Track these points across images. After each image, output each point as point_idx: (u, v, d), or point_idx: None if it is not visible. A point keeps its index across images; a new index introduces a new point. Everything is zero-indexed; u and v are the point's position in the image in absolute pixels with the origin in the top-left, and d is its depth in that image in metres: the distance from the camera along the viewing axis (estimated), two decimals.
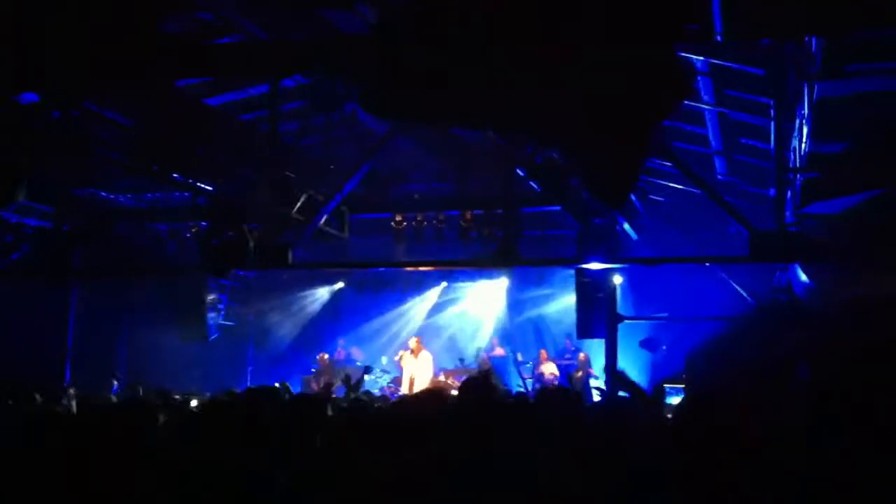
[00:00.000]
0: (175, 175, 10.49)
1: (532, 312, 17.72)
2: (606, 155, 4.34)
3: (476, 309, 18.42)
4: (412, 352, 15.48)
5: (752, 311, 12.46)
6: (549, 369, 16.29)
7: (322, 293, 18.79)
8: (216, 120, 10.72)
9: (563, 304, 16.21)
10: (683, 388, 11.08)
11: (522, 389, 14.56)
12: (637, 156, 4.49)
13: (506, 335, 17.83)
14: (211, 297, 15.17)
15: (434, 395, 4.56)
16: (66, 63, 6.55)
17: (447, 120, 6.03)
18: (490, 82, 4.44)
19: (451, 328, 18.45)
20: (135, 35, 6.37)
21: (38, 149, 9.07)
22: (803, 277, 9.62)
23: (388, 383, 16.21)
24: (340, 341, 18.28)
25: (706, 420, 3.87)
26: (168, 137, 9.70)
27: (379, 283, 18.04)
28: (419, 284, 18.19)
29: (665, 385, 8.20)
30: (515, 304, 17.83)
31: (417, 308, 18.57)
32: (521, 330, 17.77)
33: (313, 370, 17.27)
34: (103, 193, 12.49)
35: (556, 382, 15.79)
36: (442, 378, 15.84)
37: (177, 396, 9.53)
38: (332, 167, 11.80)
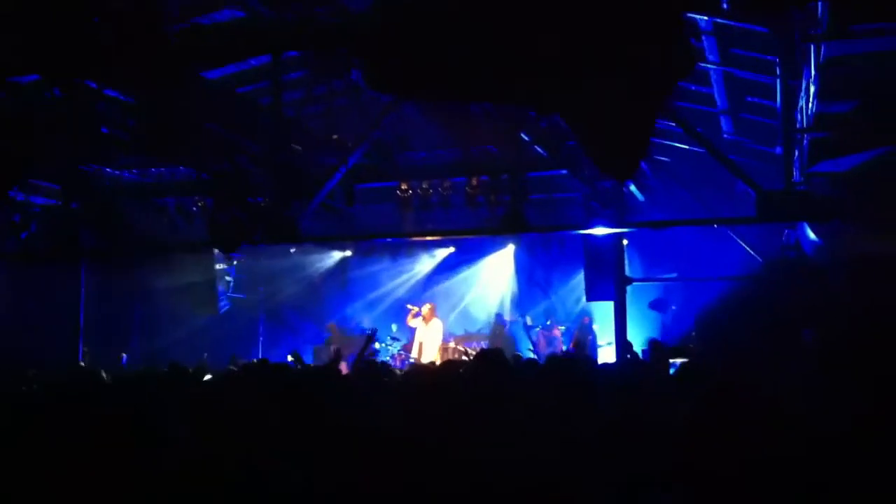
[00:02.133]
0: (179, 152, 10.47)
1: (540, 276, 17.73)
2: (612, 128, 4.32)
3: (485, 274, 18.44)
4: (424, 318, 15.56)
5: (760, 269, 12.45)
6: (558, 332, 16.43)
7: (330, 259, 18.81)
8: (217, 94, 10.68)
9: (573, 266, 16.22)
10: (691, 350, 11.15)
11: (533, 354, 14.64)
12: (644, 128, 4.46)
13: (515, 300, 17.88)
14: (220, 270, 15.27)
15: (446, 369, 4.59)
16: (67, 44, 6.53)
17: (449, 95, 5.99)
18: (493, 58, 4.41)
19: (460, 294, 18.49)
20: (134, 20, 6.34)
21: (42, 128, 9.07)
22: (812, 235, 9.59)
23: (399, 350, 16.31)
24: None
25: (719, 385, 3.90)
26: (170, 114, 9.67)
27: (386, 249, 18.07)
28: (427, 250, 18.20)
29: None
30: (524, 269, 17.84)
31: (426, 274, 18.59)
32: (530, 294, 17.80)
33: (325, 339, 17.38)
34: (108, 170, 12.48)
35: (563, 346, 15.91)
36: (452, 345, 15.93)
37: (189, 370, 9.60)
38: (335, 137, 11.76)
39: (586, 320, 15.94)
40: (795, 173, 9.65)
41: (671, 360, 8.49)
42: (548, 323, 16.76)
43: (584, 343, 14.88)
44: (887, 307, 7.72)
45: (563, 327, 16.59)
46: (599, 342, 15.44)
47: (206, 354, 12.87)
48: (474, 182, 12.57)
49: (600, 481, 3.17)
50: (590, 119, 4.76)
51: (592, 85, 4.28)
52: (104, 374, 6.55)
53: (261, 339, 17.86)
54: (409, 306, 16.30)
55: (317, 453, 3.45)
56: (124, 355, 14.76)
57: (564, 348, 15.68)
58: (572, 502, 3.26)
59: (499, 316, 17.36)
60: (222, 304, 16.05)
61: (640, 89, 4.39)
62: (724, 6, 5.58)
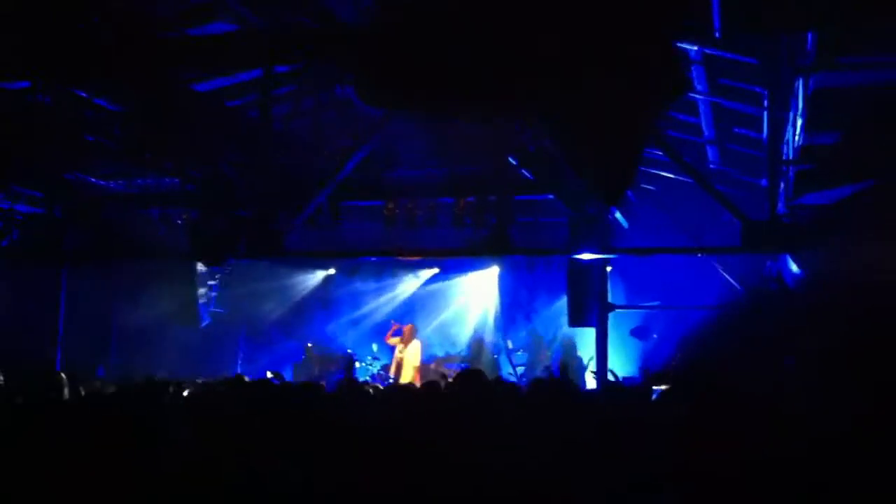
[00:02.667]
0: (166, 162, 10.42)
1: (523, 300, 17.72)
2: (603, 152, 4.34)
3: (469, 296, 18.42)
4: (403, 338, 15.54)
5: (742, 300, 12.51)
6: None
7: (313, 279, 18.75)
8: (206, 105, 10.65)
9: (556, 290, 16.23)
10: (673, 377, 11.14)
11: (513, 378, 14.61)
12: (633, 152, 4.48)
13: (497, 323, 17.86)
14: (202, 283, 15.17)
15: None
16: (58, 51, 6.50)
17: (442, 110, 6.00)
18: (486, 77, 4.42)
19: (443, 315, 18.45)
20: (128, 27, 6.33)
21: (28, 134, 9.02)
22: (794, 268, 9.65)
23: (379, 370, 16.24)
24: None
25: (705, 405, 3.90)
26: (157, 123, 9.63)
27: (370, 268, 18.02)
28: (411, 270, 18.17)
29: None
30: (507, 292, 17.83)
31: (409, 294, 18.55)
32: (512, 317, 17.77)
33: (303, 358, 17.27)
34: (93, 179, 12.40)
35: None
36: (433, 366, 15.87)
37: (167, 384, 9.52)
38: (324, 151, 11.74)
39: (570, 342, 15.91)
40: (780, 205, 9.72)
41: (653, 388, 8.49)
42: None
43: (570, 367, 14.86)
44: (867, 337, 7.76)
45: (548, 351, 16.55)
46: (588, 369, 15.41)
47: (165, 373, 12.70)
48: (461, 203, 12.59)
49: (586, 485, 3.16)
50: (581, 141, 4.78)
51: (585, 105, 4.29)
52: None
53: (240, 354, 17.73)
54: (394, 322, 16.28)
55: (308, 455, 3.44)
56: (100, 367, 14.60)
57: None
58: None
59: (480, 338, 17.32)
60: (203, 318, 15.91)
61: (631, 110, 4.41)
62: (717, 35, 5.63)
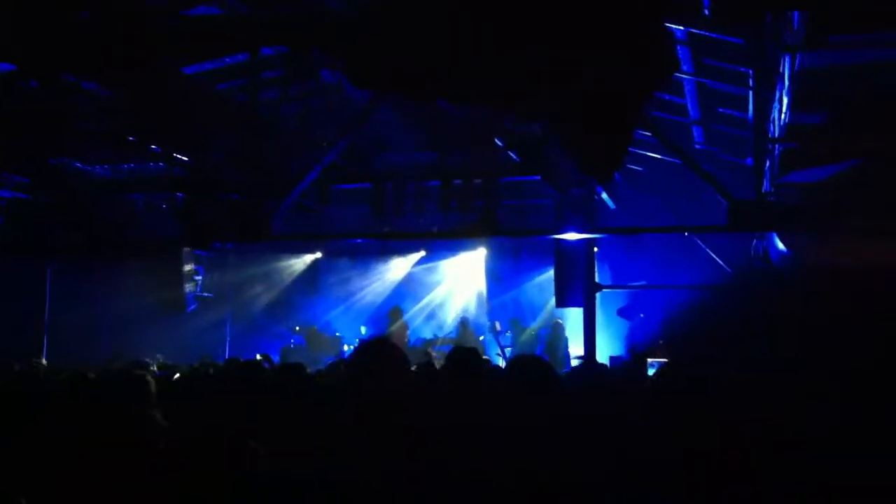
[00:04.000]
0: (152, 146, 10.37)
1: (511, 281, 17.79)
2: (595, 131, 4.37)
3: (456, 279, 18.46)
4: (390, 320, 15.64)
5: (728, 278, 12.61)
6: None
7: (301, 263, 18.74)
8: (193, 90, 10.59)
9: (542, 272, 16.32)
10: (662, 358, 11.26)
11: (502, 360, 14.69)
12: (626, 131, 4.52)
13: (484, 305, 17.92)
14: (188, 268, 15.11)
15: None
16: (44, 37, 6.45)
17: (430, 93, 6.01)
18: (476, 60, 4.44)
19: (430, 298, 18.50)
20: (116, 10, 6.28)
21: (13, 119, 8.95)
22: (780, 246, 9.73)
23: None
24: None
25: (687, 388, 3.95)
26: (145, 107, 9.58)
27: (357, 252, 18.03)
28: (398, 253, 18.20)
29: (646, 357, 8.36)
30: (494, 274, 17.88)
31: (396, 276, 18.58)
32: (499, 299, 17.84)
33: (292, 341, 17.28)
34: (79, 164, 12.31)
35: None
36: (420, 348, 15.92)
37: (154, 368, 9.51)
38: (311, 136, 11.72)
39: (558, 322, 15.99)
40: (766, 183, 9.80)
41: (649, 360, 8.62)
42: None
43: (556, 346, 14.97)
44: (852, 316, 7.87)
45: (533, 330, 16.63)
46: (570, 351, 15.52)
47: (159, 355, 12.68)
48: (448, 186, 12.61)
49: (580, 477, 3.20)
50: (574, 121, 4.81)
51: (579, 83, 4.32)
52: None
53: (228, 339, 17.72)
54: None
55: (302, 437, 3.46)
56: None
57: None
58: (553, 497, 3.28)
59: (467, 320, 17.37)
60: (190, 303, 15.86)
61: (622, 89, 4.44)
62: (706, 13, 5.66)
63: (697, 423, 3.50)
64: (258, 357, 11.09)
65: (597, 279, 13.23)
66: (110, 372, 7.28)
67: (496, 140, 11.15)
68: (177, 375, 8.95)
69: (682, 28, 8.77)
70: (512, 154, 11.53)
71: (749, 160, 10.64)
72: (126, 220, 12.86)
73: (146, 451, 3.75)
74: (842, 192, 8.15)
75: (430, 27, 4.83)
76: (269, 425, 4.05)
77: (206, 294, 16.16)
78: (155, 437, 3.90)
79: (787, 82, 7.26)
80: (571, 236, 11.44)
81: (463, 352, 4.48)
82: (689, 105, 11.08)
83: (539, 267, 16.27)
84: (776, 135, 8.54)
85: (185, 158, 10.79)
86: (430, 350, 15.66)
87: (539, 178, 12.26)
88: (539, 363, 4.61)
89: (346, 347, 16.24)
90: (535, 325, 16.90)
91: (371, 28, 5.08)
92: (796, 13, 6.23)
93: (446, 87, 5.18)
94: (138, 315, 15.08)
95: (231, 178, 10.78)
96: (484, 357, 12.37)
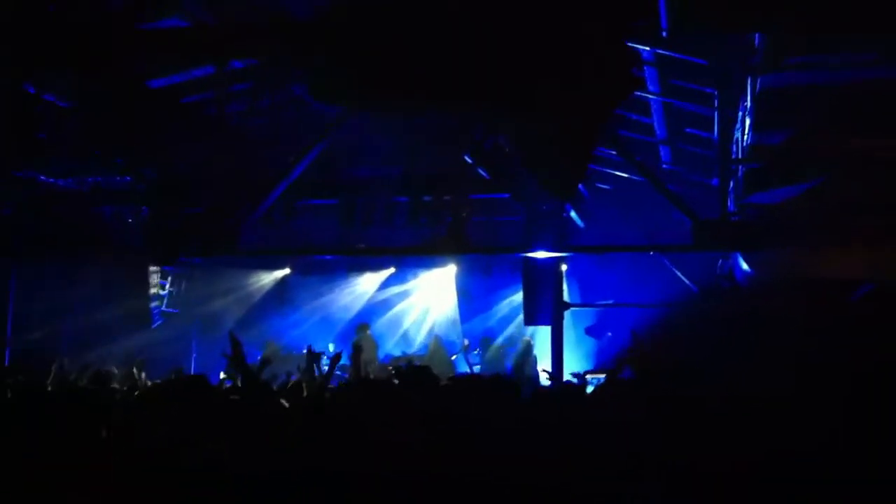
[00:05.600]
0: (117, 159, 10.27)
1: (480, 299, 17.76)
2: (553, 148, 4.38)
3: (426, 296, 18.40)
4: (358, 336, 15.57)
5: (694, 297, 12.68)
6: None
7: (269, 279, 18.59)
8: (160, 102, 10.52)
9: (512, 289, 16.31)
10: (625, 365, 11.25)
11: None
12: (585, 148, 4.54)
13: (454, 322, 17.87)
14: (154, 283, 14.95)
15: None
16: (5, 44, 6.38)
17: (395, 107, 6.01)
18: (440, 74, 4.44)
19: (400, 315, 18.42)
20: (79, 18, 6.23)
21: None
22: (744, 266, 9.82)
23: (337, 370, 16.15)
24: None
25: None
26: (109, 120, 9.49)
27: (326, 268, 17.92)
28: (367, 269, 18.10)
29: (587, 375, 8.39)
30: (464, 292, 17.84)
31: (365, 293, 18.48)
32: (469, 317, 17.79)
33: (260, 357, 17.09)
34: (43, 177, 12.17)
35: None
36: (389, 366, 15.83)
37: (115, 385, 9.38)
38: (279, 149, 11.66)
39: (527, 340, 15.97)
40: (730, 203, 9.89)
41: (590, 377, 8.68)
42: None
43: (524, 364, 14.94)
44: (815, 334, 7.93)
45: (502, 348, 16.59)
46: (539, 368, 15.49)
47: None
48: (417, 201, 12.60)
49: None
50: (533, 137, 4.82)
51: (537, 101, 4.33)
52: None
53: (194, 355, 17.50)
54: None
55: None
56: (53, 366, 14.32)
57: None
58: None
59: (437, 338, 17.31)
60: (155, 318, 15.68)
61: (579, 108, 4.46)
62: (664, 34, 5.73)
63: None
64: (222, 375, 10.93)
65: (566, 297, 13.28)
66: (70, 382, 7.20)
67: (465, 156, 11.17)
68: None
69: (647, 49, 8.85)
70: (481, 170, 11.55)
71: (715, 181, 10.74)
72: (91, 234, 12.71)
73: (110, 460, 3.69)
74: (804, 211, 8.24)
75: (389, 40, 4.83)
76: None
77: (172, 310, 15.99)
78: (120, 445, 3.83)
79: (749, 103, 7.36)
80: (541, 255, 11.48)
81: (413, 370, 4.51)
82: (655, 125, 11.17)
83: (509, 284, 16.25)
84: (739, 155, 8.63)
85: (151, 171, 10.70)
86: (392, 367, 15.58)
87: (508, 195, 12.30)
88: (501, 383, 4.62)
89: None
90: (504, 343, 16.87)
91: (330, 41, 5.08)
92: (757, 35, 6.32)
93: (407, 99, 5.17)
94: (103, 330, 14.87)
95: (198, 191, 10.70)
96: (453, 375, 12.35)
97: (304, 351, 12.75)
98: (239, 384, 8.91)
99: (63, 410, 3.86)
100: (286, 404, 4.89)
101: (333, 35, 5.16)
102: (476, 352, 16.77)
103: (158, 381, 8.95)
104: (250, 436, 3.59)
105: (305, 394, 6.97)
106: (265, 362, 8.87)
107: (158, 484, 3.26)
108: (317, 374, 8.30)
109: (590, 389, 7.20)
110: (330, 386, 8.55)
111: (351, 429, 3.32)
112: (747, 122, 7.74)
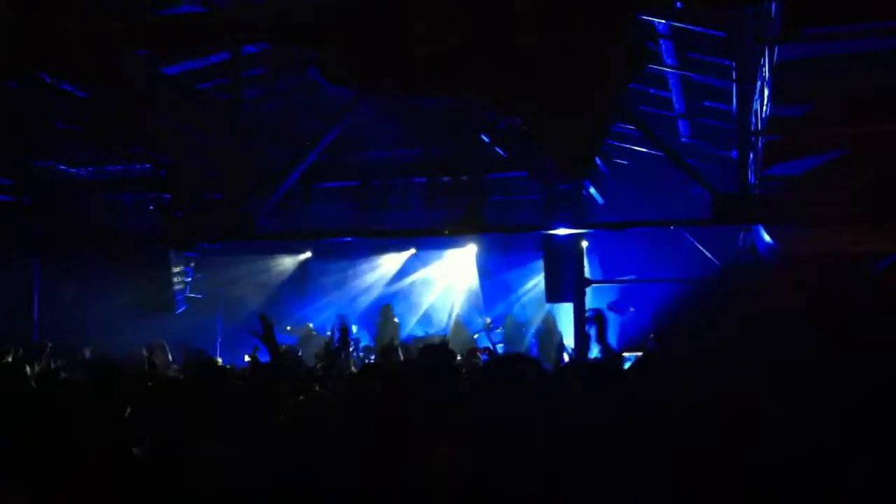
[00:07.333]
0: (135, 147, 10.32)
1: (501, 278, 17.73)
2: (565, 126, 4.35)
3: (446, 277, 18.40)
4: (381, 319, 15.63)
5: (716, 271, 12.57)
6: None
7: (290, 263, 18.67)
8: (175, 89, 10.54)
9: (533, 268, 16.26)
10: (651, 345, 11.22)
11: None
12: (598, 125, 4.50)
13: (476, 302, 17.87)
14: (176, 269, 15.07)
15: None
16: (18, 34, 6.40)
17: (408, 89, 5.98)
18: (451, 53, 4.41)
19: (421, 296, 18.44)
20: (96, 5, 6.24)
21: None
22: (766, 238, 9.72)
23: (360, 352, 16.22)
24: None
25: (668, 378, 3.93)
26: (126, 108, 9.52)
27: (346, 251, 17.96)
28: (387, 252, 18.12)
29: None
30: (484, 271, 17.82)
31: (386, 274, 18.52)
32: (491, 296, 17.77)
33: (298, 339, 17.20)
34: (62, 166, 12.26)
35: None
36: (412, 346, 15.88)
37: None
38: (295, 134, 11.67)
39: (550, 316, 15.93)
40: (750, 176, 9.78)
41: (626, 354, 8.60)
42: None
43: (549, 341, 14.91)
44: (837, 308, 7.84)
45: (524, 326, 16.57)
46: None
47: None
48: (434, 183, 12.58)
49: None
50: (544, 116, 4.78)
51: (545, 81, 4.29)
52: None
53: (219, 339, 17.63)
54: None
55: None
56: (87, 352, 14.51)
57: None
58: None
59: (459, 317, 17.34)
60: (179, 304, 15.81)
61: (589, 85, 4.42)
62: (678, 5, 5.64)
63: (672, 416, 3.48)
64: (246, 358, 11.03)
65: (587, 273, 13.24)
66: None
67: (482, 136, 11.12)
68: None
69: (663, 21, 8.74)
70: (498, 150, 11.50)
71: (734, 153, 10.62)
72: (112, 222, 12.83)
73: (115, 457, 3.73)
74: (825, 183, 8.14)
75: (400, 21, 4.80)
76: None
77: (195, 295, 16.11)
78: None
79: (767, 74, 7.25)
80: (560, 232, 11.43)
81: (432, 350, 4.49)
82: (674, 99, 11.05)
83: (530, 262, 16.21)
84: (758, 127, 8.52)
85: (168, 159, 10.74)
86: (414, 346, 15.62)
87: (525, 173, 12.25)
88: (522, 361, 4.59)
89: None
90: (526, 321, 16.86)
91: (342, 24, 5.05)
92: (773, 4, 6.21)
93: (419, 81, 5.14)
94: (127, 317, 15.01)
95: (215, 177, 10.74)
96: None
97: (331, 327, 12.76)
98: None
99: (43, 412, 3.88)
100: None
101: (347, 17, 5.14)
102: (499, 330, 16.76)
103: (176, 366, 9.03)
104: (250, 436, 3.60)
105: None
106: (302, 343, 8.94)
107: (159, 484, 3.28)
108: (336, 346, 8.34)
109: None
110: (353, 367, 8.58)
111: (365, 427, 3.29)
112: (766, 92, 7.63)
